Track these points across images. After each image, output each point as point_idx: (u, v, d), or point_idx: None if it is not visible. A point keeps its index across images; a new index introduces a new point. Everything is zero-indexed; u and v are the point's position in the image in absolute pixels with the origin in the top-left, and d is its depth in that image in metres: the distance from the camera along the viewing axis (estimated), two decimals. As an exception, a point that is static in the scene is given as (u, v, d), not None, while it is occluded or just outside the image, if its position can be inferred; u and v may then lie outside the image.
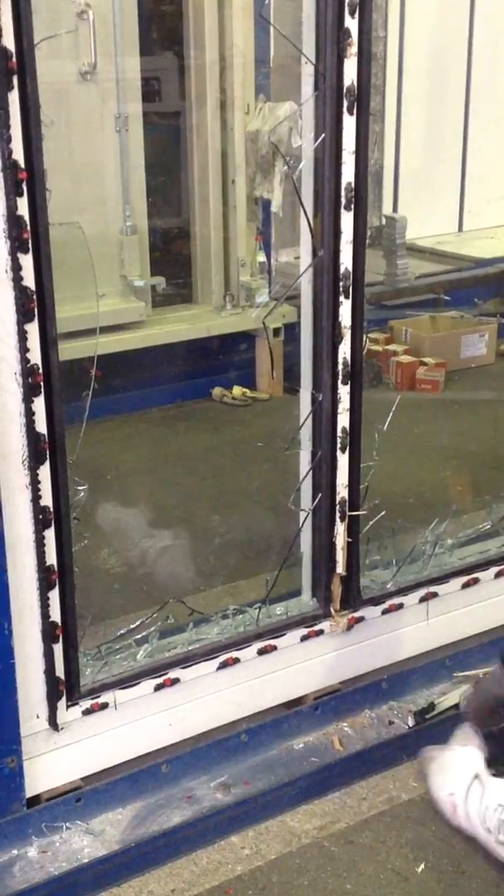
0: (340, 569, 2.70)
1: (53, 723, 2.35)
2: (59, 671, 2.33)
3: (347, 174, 2.41)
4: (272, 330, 4.70)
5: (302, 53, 2.37)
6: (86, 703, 2.39)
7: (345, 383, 2.57)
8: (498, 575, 3.01)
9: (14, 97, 1.95)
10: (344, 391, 2.57)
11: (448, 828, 2.13)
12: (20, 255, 2.03)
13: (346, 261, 2.47)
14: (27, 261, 2.04)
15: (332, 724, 2.75)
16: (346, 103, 2.36)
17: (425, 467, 4.25)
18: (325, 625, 2.73)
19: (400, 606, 2.84)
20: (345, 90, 2.35)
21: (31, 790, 2.35)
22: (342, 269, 2.47)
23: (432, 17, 6.73)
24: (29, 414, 2.13)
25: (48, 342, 2.12)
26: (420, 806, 2.51)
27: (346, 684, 2.80)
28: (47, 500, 2.21)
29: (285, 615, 2.72)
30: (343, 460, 2.63)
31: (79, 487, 2.48)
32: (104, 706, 2.42)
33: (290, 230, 5.31)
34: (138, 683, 2.46)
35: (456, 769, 2.25)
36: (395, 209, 6.62)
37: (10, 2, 1.91)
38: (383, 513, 2.92)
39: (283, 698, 2.73)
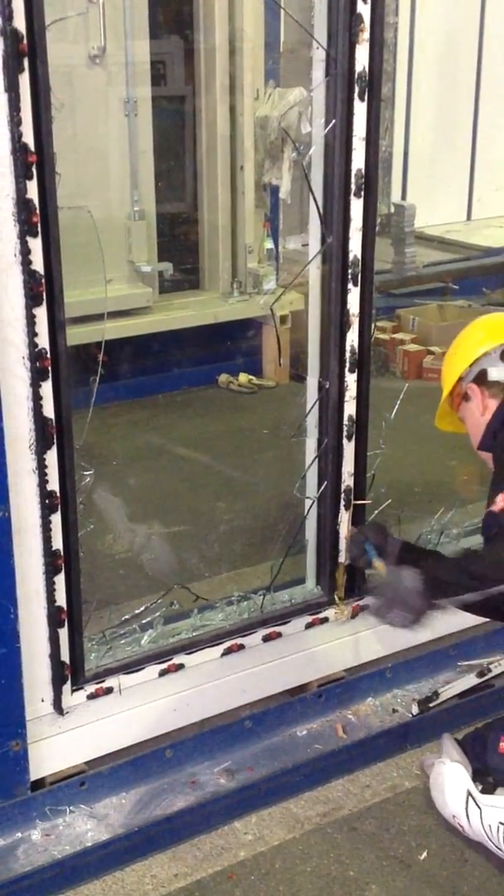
0: (344, 557, 2.70)
1: (58, 707, 2.36)
2: (65, 655, 2.33)
3: (358, 160, 2.40)
4: (279, 317, 4.69)
5: (314, 38, 2.36)
6: (90, 688, 2.40)
7: (352, 371, 2.56)
8: None
9: (25, 80, 1.94)
10: (351, 379, 2.57)
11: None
12: (29, 239, 2.02)
13: (355, 248, 2.46)
14: (36, 245, 2.03)
15: (336, 711, 2.75)
16: (357, 89, 2.35)
17: (431, 456, 4.24)
18: (329, 612, 2.73)
19: (405, 595, 2.83)
20: (356, 76, 2.34)
21: (35, 773, 2.36)
22: (351, 257, 2.47)
23: (443, 3, 6.68)
24: (36, 398, 2.13)
25: (56, 327, 2.11)
26: (423, 794, 2.52)
27: (351, 672, 2.81)
28: (54, 484, 2.20)
29: (290, 602, 2.72)
30: (349, 449, 2.62)
31: (85, 473, 2.48)
32: (109, 691, 2.42)
33: (298, 217, 5.29)
34: (143, 668, 2.46)
35: (449, 789, 2.32)
36: (403, 197, 6.59)
37: (22, -17, 1.90)
38: (389, 501, 2.91)
39: (288, 685, 2.74)
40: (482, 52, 6.89)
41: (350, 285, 2.49)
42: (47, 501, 2.21)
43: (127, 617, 2.65)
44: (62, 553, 2.26)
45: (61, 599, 2.29)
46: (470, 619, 2.95)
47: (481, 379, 2.39)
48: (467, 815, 2.28)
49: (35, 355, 2.10)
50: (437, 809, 2.38)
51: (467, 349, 2.43)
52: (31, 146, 1.98)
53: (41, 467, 2.18)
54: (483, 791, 2.28)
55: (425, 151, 6.76)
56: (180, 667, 2.51)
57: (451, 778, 2.34)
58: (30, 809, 2.36)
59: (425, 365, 5.25)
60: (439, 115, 6.83)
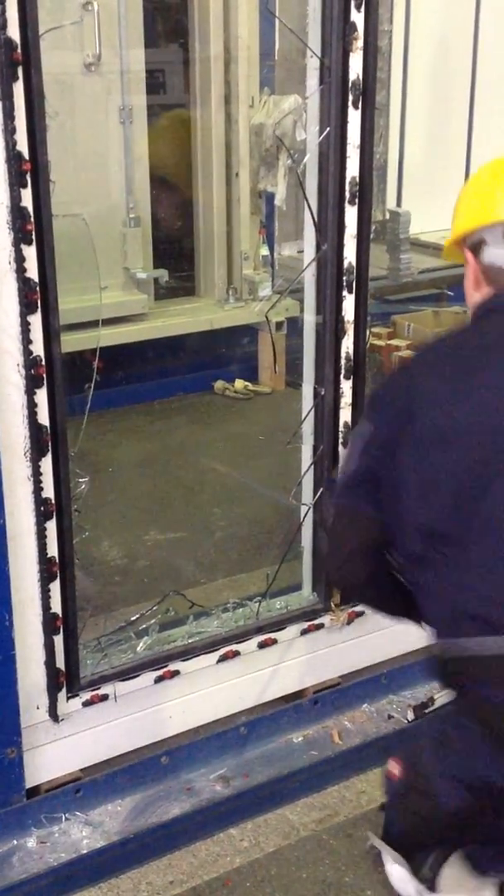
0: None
1: (54, 714, 2.35)
2: (60, 663, 2.33)
3: (352, 168, 2.41)
4: (275, 323, 4.70)
5: (308, 47, 2.37)
6: (86, 695, 2.40)
7: (347, 378, 2.57)
8: (498, 570, 3.01)
9: (19, 88, 1.95)
10: (346, 386, 2.58)
11: None
12: (24, 247, 2.03)
13: (349, 255, 2.47)
14: (30, 252, 2.04)
15: (332, 717, 2.75)
16: (351, 97, 2.36)
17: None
18: (325, 619, 2.73)
19: (400, 601, 2.84)
20: (350, 84, 2.35)
21: (30, 781, 2.36)
22: (346, 264, 2.47)
23: (438, 10, 6.70)
24: (31, 406, 2.13)
25: (51, 334, 2.12)
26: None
27: (346, 678, 2.81)
28: (49, 491, 2.21)
29: (285, 609, 2.72)
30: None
31: (80, 480, 2.49)
32: (104, 698, 2.42)
33: (293, 224, 5.29)
34: (138, 675, 2.46)
35: (400, 890, 2.10)
36: (398, 203, 6.60)
37: (16, -8, 1.90)
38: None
39: (283, 692, 2.74)
40: (477, 58, 6.91)
41: (345, 292, 2.50)
42: (42, 508, 2.21)
43: (122, 624, 2.65)
44: (57, 560, 2.27)
45: (56, 606, 2.29)
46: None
47: (477, 248, 1.99)
48: None
49: (30, 363, 2.10)
50: None
51: (482, 206, 2.01)
52: (26, 154, 1.99)
53: (36, 474, 2.18)
54: (429, 888, 2.07)
55: (420, 158, 6.77)
56: (176, 673, 2.51)
57: (400, 880, 2.12)
58: (25, 817, 2.36)
59: (421, 371, 5.25)
60: (434, 121, 6.84)
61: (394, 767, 2.04)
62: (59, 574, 2.28)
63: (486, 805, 1.91)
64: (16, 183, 1.98)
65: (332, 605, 2.73)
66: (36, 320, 2.09)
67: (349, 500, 2.04)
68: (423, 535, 1.89)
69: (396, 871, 2.13)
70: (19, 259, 2.03)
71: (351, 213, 2.44)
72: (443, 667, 1.94)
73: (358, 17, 2.31)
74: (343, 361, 2.55)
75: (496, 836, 1.99)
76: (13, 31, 1.92)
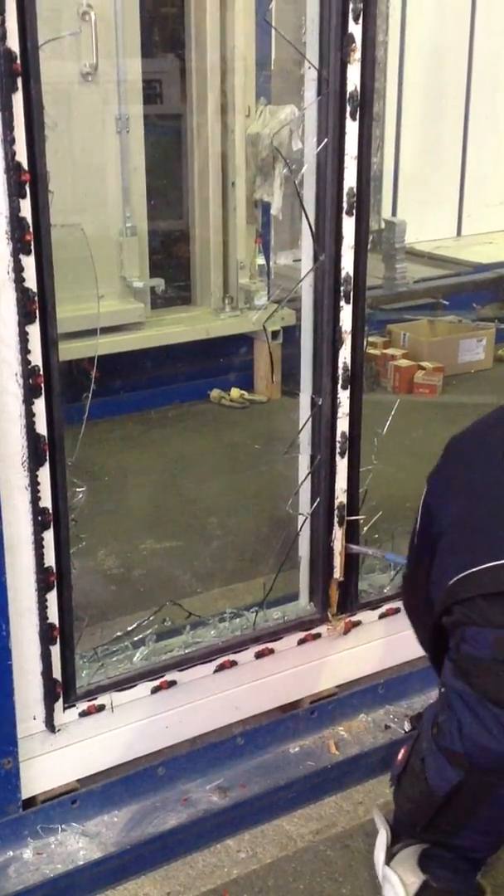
0: (338, 573, 2.70)
1: (50, 724, 2.35)
2: (57, 673, 2.32)
3: (349, 179, 2.41)
4: (271, 333, 4.71)
5: (305, 59, 2.37)
6: (82, 705, 2.39)
7: (344, 388, 2.57)
8: (495, 580, 3.01)
9: (18, 99, 1.95)
10: (343, 396, 2.58)
11: None
12: (22, 257, 2.03)
13: (347, 265, 2.48)
14: (29, 262, 2.04)
15: (329, 728, 2.75)
16: (349, 108, 2.36)
17: (423, 471, 4.24)
18: (322, 629, 2.73)
19: (397, 611, 2.83)
20: (348, 95, 2.35)
21: (26, 792, 2.35)
22: (343, 274, 2.48)
23: (433, 22, 6.74)
24: (29, 415, 2.13)
25: (49, 344, 2.11)
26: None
27: (343, 688, 2.81)
28: (46, 501, 2.20)
29: (282, 619, 2.72)
30: (342, 465, 2.63)
31: (77, 489, 2.48)
32: (101, 708, 2.42)
33: (289, 233, 5.31)
34: (135, 686, 2.46)
35: (376, 851, 2.29)
36: (394, 213, 6.62)
37: (15, 3, 1.91)
38: (380, 513, 2.92)
39: (280, 702, 2.73)
40: (471, 69, 6.95)
41: (342, 302, 2.50)
42: (40, 518, 2.20)
43: (119, 634, 2.64)
44: (54, 570, 2.26)
45: (53, 616, 2.28)
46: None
47: None
48: (382, 881, 2.25)
49: (28, 372, 2.10)
50: None
51: None
52: (25, 165, 1.99)
53: (34, 484, 2.18)
54: (387, 861, 2.22)
55: (415, 168, 6.80)
56: (172, 684, 2.51)
57: (379, 843, 2.29)
58: (21, 828, 2.35)
59: (416, 380, 5.27)
60: (429, 131, 6.87)
61: (399, 753, 2.19)
62: (56, 584, 2.27)
63: (473, 787, 2.00)
64: (15, 193, 1.98)
65: (329, 615, 2.73)
66: (34, 330, 2.08)
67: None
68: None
69: (379, 838, 2.27)
70: (18, 269, 2.03)
71: (348, 224, 2.45)
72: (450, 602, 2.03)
73: (356, 29, 2.32)
74: (341, 371, 2.55)
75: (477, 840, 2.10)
76: (13, 42, 1.92)
